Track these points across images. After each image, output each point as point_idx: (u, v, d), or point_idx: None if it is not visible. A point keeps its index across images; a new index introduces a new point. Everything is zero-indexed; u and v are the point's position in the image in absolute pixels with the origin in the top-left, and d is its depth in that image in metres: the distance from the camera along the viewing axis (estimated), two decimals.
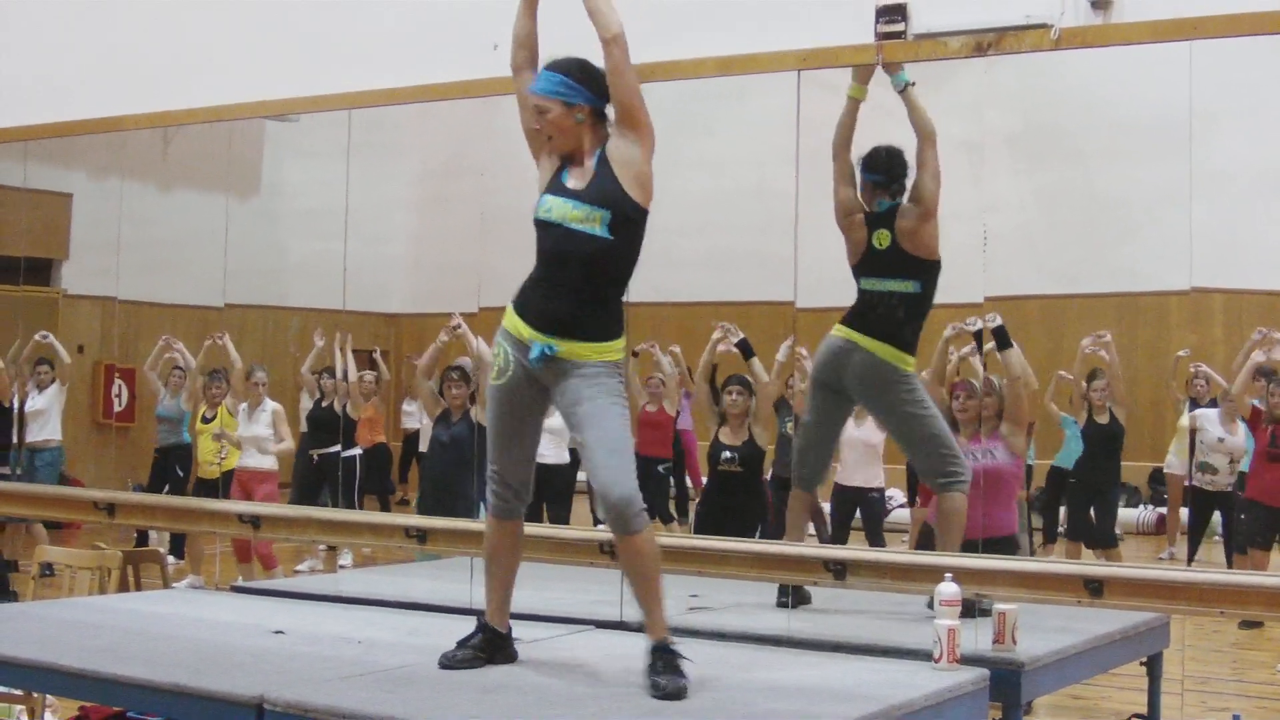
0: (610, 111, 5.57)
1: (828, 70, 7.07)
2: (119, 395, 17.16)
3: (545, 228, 5.52)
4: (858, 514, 10.75)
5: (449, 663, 5.49)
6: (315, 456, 13.12)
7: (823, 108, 7.23)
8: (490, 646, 5.59)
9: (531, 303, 5.51)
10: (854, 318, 7.17)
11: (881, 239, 7.19)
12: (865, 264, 7.22)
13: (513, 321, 5.52)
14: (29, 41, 9.72)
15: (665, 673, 5.17)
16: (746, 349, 9.00)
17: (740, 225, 7.13)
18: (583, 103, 5.52)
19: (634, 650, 5.63)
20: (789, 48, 6.98)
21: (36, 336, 12.99)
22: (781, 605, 7.13)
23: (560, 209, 5.47)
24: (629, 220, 5.43)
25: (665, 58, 7.17)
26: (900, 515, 13.03)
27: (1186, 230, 7.10)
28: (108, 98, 9.09)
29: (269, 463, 12.59)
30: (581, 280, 5.43)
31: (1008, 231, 7.38)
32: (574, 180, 5.52)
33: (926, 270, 7.15)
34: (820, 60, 6.95)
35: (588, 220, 5.42)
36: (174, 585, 9.23)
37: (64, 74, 9.44)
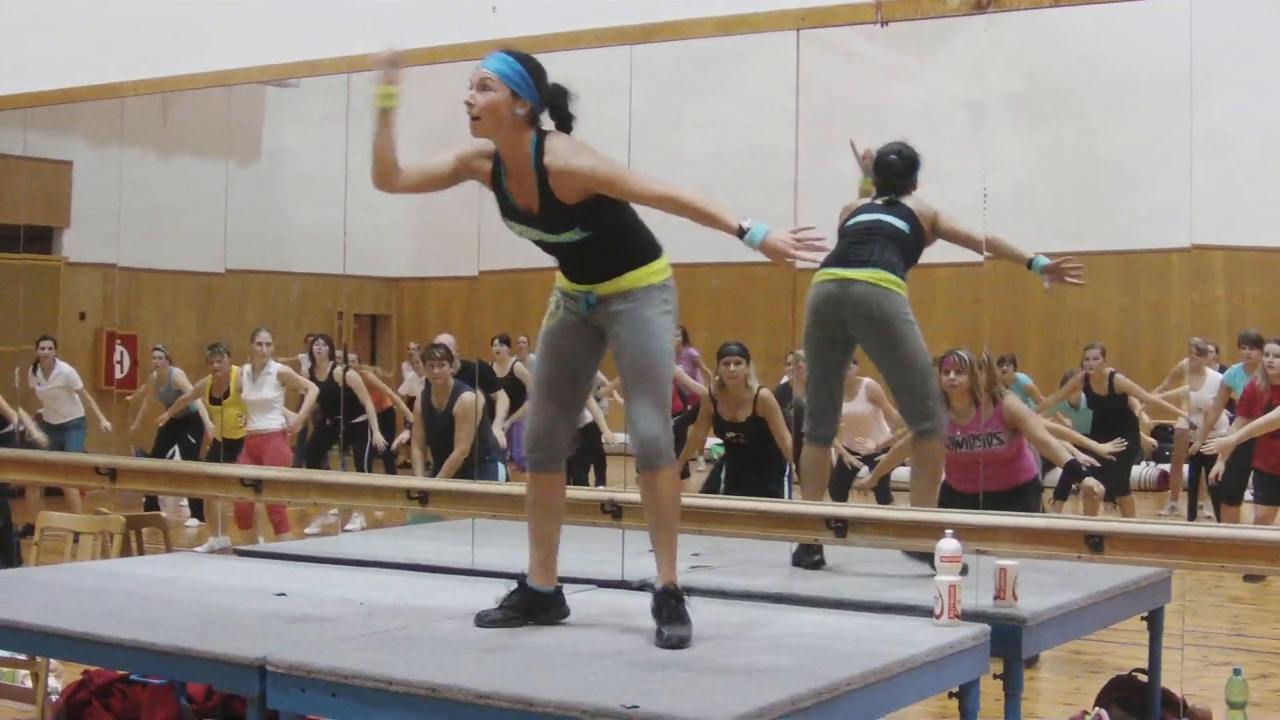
0: (544, 117, 5.43)
1: (827, 30, 7.03)
2: (120, 362, 17.22)
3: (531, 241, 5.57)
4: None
5: (481, 622, 5.51)
6: (328, 421, 13.21)
7: (822, 68, 7.22)
8: (526, 606, 5.57)
9: (562, 270, 5.57)
10: (836, 259, 7.05)
11: (879, 196, 7.18)
12: (855, 214, 7.20)
13: (559, 277, 5.57)
14: (28, 9, 9.70)
15: (669, 622, 5.20)
16: None
17: (740, 186, 7.14)
18: (527, 99, 5.32)
19: (635, 609, 5.65)
20: (788, 7, 6.95)
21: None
22: (812, 565, 7.09)
23: (530, 232, 5.48)
24: (597, 213, 5.36)
25: (664, 18, 7.16)
26: (901, 473, 13.08)
27: (1187, 188, 7.09)
28: (107, 65, 9.07)
29: (276, 423, 12.61)
30: (587, 259, 5.45)
31: (1008, 190, 7.38)
32: (520, 197, 5.43)
33: (919, 222, 7.13)
34: (819, 19, 6.92)
35: (561, 236, 5.40)
36: (196, 549, 9.29)
37: (63, 41, 9.42)
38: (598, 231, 5.39)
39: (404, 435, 13.67)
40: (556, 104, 5.45)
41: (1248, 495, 12.15)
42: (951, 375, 7.99)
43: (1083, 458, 8.37)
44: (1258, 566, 6.17)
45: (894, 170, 7.18)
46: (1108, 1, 6.72)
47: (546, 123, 5.45)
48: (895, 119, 7.54)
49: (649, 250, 5.49)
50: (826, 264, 7.01)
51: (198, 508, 15.22)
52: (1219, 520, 12.06)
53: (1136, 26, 8.83)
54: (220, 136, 10.07)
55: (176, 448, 14.32)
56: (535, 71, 5.39)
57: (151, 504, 13.22)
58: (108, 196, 10.81)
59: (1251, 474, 11.88)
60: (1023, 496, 8.15)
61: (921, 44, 8.22)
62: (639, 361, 5.38)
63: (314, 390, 13.03)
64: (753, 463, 9.24)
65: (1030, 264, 7.13)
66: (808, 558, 7.06)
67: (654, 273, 5.45)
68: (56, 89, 9.36)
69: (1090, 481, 8.43)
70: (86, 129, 12.88)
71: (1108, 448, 9.73)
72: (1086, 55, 15.23)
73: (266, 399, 12.68)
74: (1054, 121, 16.65)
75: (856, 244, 7.01)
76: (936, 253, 7.48)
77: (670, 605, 5.26)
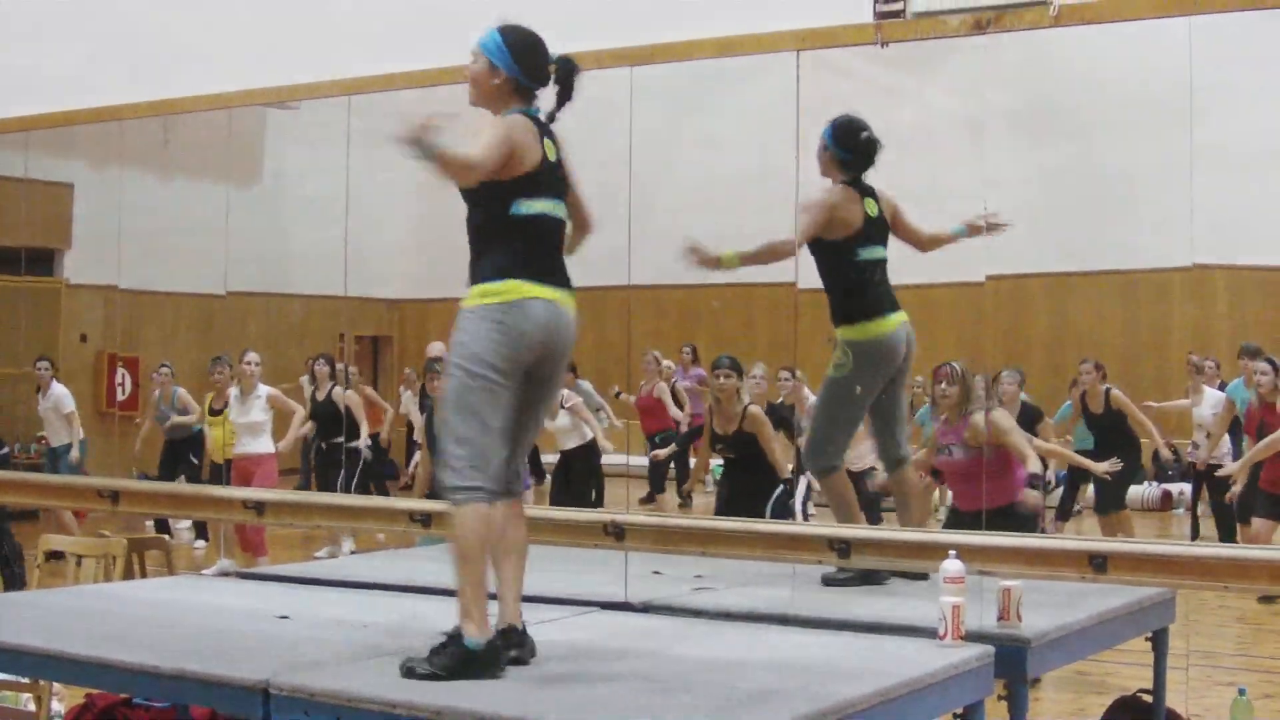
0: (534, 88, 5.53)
1: (828, 50, 7.04)
2: (122, 384, 17.20)
3: None
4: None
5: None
6: (324, 445, 13.20)
7: (822, 88, 7.22)
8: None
9: None
10: (892, 301, 7.14)
11: (871, 206, 7.16)
12: (864, 233, 7.14)
13: None
14: (28, 32, 9.72)
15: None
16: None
17: (741, 206, 7.14)
18: (502, 70, 5.43)
19: (638, 631, 5.65)
20: (788, 28, 6.97)
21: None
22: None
23: None
24: (477, 193, 5.38)
25: (664, 39, 7.17)
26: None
27: (1187, 207, 7.09)
28: (107, 87, 9.09)
29: (264, 447, 12.56)
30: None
31: (1009, 209, 7.37)
32: None
33: None
34: (819, 40, 6.93)
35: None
36: (203, 571, 9.27)
37: (63, 64, 9.44)
38: (472, 212, 5.41)
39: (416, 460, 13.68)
40: (558, 77, 5.52)
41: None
42: (943, 386, 8.01)
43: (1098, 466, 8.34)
44: (1261, 586, 6.17)
45: (877, 151, 7.19)
46: (1107, 21, 6.71)
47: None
48: (895, 139, 7.52)
49: (487, 272, 5.34)
50: (888, 309, 7.07)
51: (202, 528, 15.23)
52: (1235, 539, 12.02)
53: (1137, 46, 8.80)
54: (221, 158, 10.09)
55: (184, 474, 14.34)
56: (515, 44, 5.46)
57: (162, 526, 13.18)
58: (108, 218, 10.81)
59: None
60: (1014, 512, 8.10)
61: (922, 64, 8.19)
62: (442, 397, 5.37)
63: (301, 412, 13.01)
64: (743, 480, 9.24)
65: (956, 236, 7.14)
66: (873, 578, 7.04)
67: (485, 293, 5.29)
68: (57, 111, 9.37)
69: (1030, 493, 8.32)
70: (87, 151, 12.87)
71: (1103, 467, 9.71)
72: (1086, 74, 15.22)
73: (255, 422, 12.64)
74: (1054, 140, 16.65)
75: (886, 282, 7.09)
76: (937, 271, 7.48)
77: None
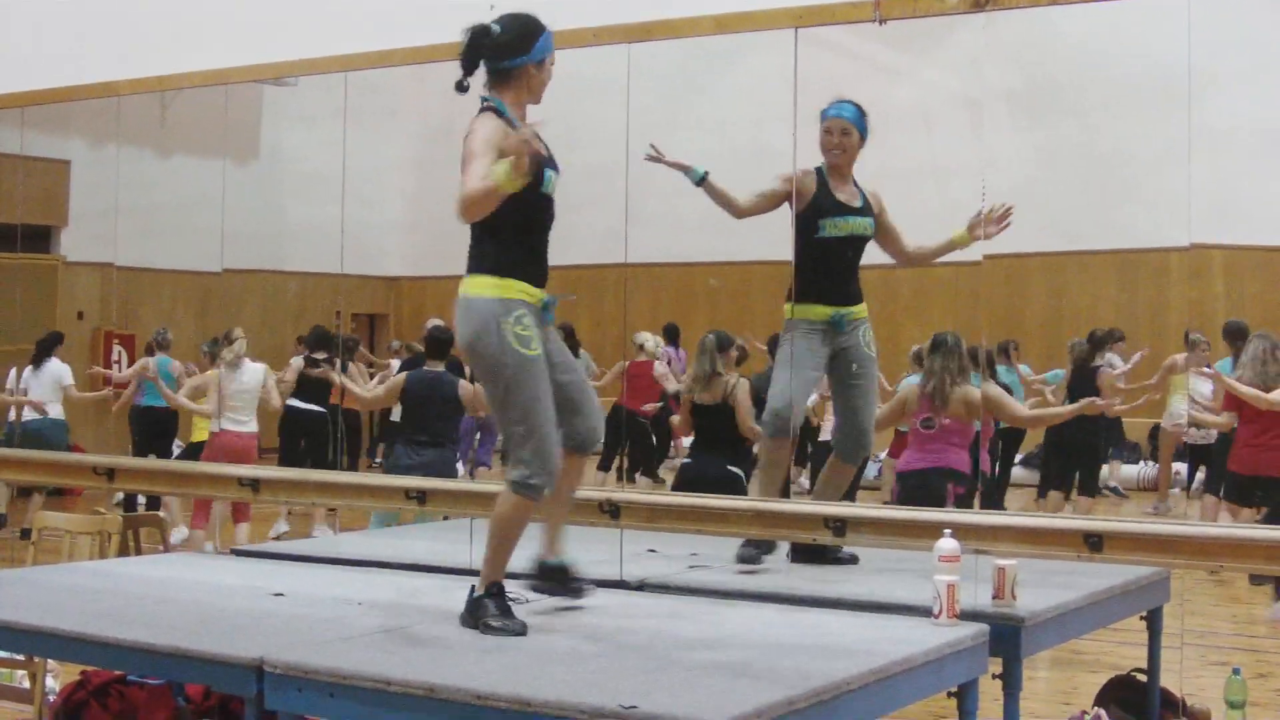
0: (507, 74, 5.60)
1: (825, 27, 7.01)
2: (119, 361, 17.20)
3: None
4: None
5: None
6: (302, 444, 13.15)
7: (820, 65, 7.20)
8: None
9: (530, 265, 5.55)
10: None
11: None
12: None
13: (521, 287, 5.49)
14: (25, 7, 9.69)
15: None
16: None
17: (738, 185, 7.11)
18: None
19: (633, 609, 5.64)
20: (786, 5, 6.94)
21: None
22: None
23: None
24: None
25: (661, 17, 7.14)
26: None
27: (1186, 187, 7.07)
28: (105, 63, 9.05)
29: (240, 427, 12.38)
30: None
31: (1007, 188, 7.35)
32: None
33: None
34: (817, 17, 6.90)
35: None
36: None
37: (60, 40, 9.40)
38: None
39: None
40: None
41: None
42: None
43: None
44: (1257, 565, 6.17)
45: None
46: (1107, 0, 6.69)
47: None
48: (893, 117, 7.50)
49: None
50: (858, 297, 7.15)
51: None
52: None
53: (1135, 24, 8.81)
54: (218, 135, 10.05)
55: (179, 446, 14.29)
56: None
57: (132, 503, 13.07)
58: (105, 195, 10.79)
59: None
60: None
61: (920, 42, 8.17)
62: None
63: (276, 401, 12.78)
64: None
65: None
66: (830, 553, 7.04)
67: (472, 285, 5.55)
68: (54, 88, 9.34)
69: None
70: (84, 128, 12.87)
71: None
72: (1085, 53, 15.22)
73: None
74: (1052, 119, 16.66)
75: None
76: None
77: None
